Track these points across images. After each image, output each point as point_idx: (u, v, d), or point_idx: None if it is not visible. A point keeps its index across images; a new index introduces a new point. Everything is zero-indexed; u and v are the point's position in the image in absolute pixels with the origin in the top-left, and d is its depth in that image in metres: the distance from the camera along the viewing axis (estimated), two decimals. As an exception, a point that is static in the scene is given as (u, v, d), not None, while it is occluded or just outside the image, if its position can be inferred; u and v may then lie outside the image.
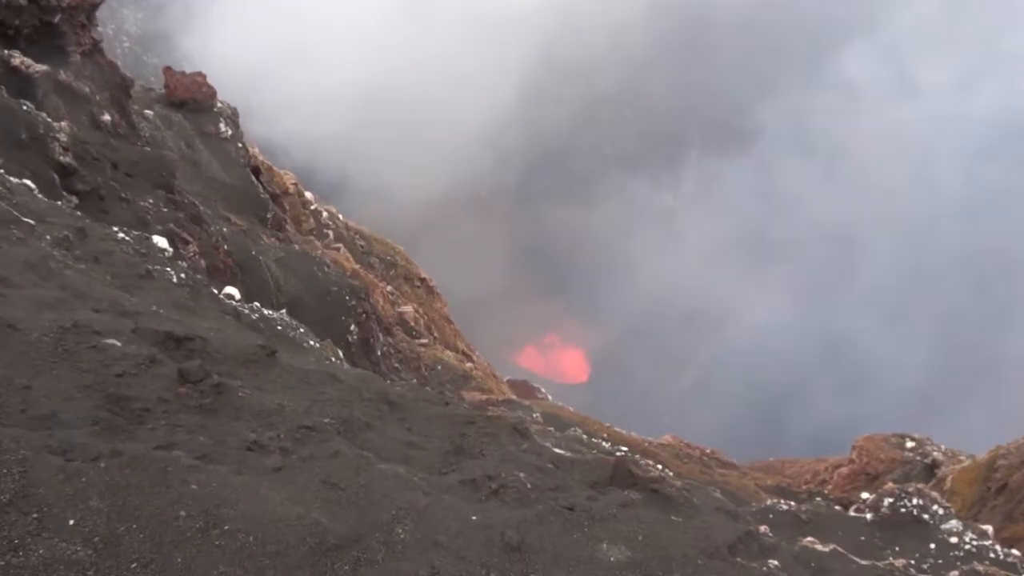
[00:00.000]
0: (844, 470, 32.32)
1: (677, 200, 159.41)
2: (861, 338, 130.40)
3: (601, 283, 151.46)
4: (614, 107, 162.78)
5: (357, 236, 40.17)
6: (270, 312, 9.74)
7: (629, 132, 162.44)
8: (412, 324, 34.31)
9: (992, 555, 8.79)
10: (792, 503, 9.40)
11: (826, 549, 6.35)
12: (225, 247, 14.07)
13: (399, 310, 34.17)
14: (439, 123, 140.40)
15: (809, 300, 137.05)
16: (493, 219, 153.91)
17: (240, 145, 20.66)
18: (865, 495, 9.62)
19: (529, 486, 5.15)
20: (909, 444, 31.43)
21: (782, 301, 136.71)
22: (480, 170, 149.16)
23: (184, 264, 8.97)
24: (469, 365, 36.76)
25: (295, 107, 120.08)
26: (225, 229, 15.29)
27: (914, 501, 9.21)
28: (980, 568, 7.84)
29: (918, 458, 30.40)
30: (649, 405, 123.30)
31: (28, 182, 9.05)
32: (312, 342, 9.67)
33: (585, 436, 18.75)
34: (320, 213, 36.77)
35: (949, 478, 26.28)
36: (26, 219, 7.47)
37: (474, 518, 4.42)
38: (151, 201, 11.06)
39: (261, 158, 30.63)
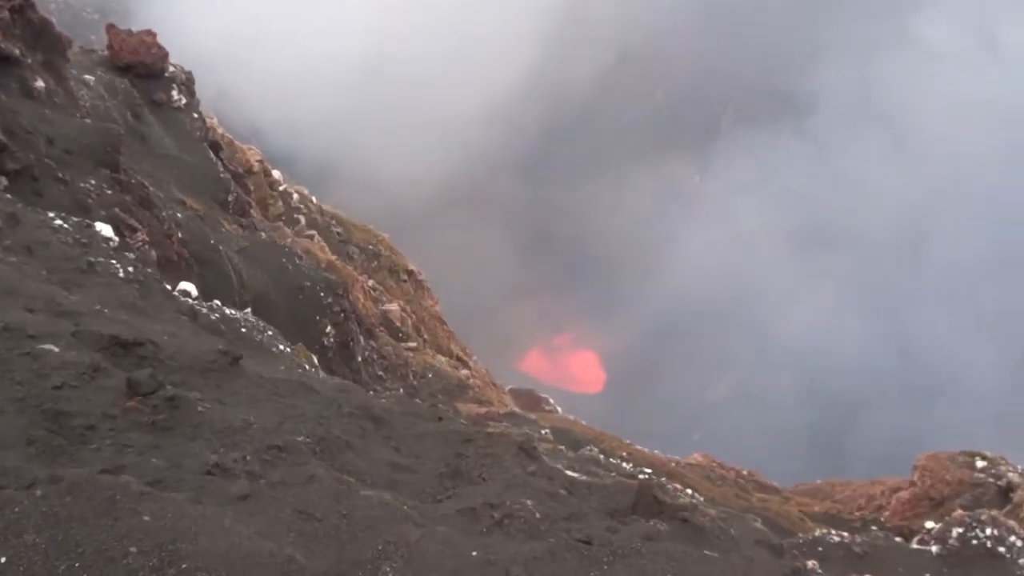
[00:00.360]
0: (904, 494, 32.29)
1: (712, 180, 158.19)
2: (928, 341, 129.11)
3: (620, 276, 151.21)
4: (637, 71, 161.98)
5: (333, 222, 40.23)
6: (232, 312, 9.74)
7: (654, 100, 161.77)
8: (398, 325, 34.36)
9: (1080, 594, 8.74)
10: (844, 534, 9.38)
11: (885, 588, 6.33)
12: (179, 235, 14.09)
13: (383, 308, 34.23)
14: (438, 101, 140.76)
15: (869, 296, 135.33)
16: (496, 205, 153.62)
17: (196, 116, 20.63)
18: (930, 524, 9.58)
19: (538, 516, 5.15)
20: (980, 464, 31.34)
21: (837, 298, 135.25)
22: (483, 151, 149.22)
23: (132, 256, 8.98)
24: (465, 372, 36.82)
25: (274, 88, 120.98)
26: (179, 214, 15.31)
27: (987, 531, 9.15)
28: (1066, 610, 7.80)
29: (991, 480, 30.33)
30: (676, 419, 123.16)
31: (-52, 161, 9.06)
32: (282, 347, 9.68)
33: (602, 456, 18.77)
34: (290, 195, 36.82)
35: (1028, 504, 26.22)
36: (-54, 204, 7.52)
37: (474, 554, 4.42)
38: (93, 182, 11.07)
39: (221, 131, 30.64)
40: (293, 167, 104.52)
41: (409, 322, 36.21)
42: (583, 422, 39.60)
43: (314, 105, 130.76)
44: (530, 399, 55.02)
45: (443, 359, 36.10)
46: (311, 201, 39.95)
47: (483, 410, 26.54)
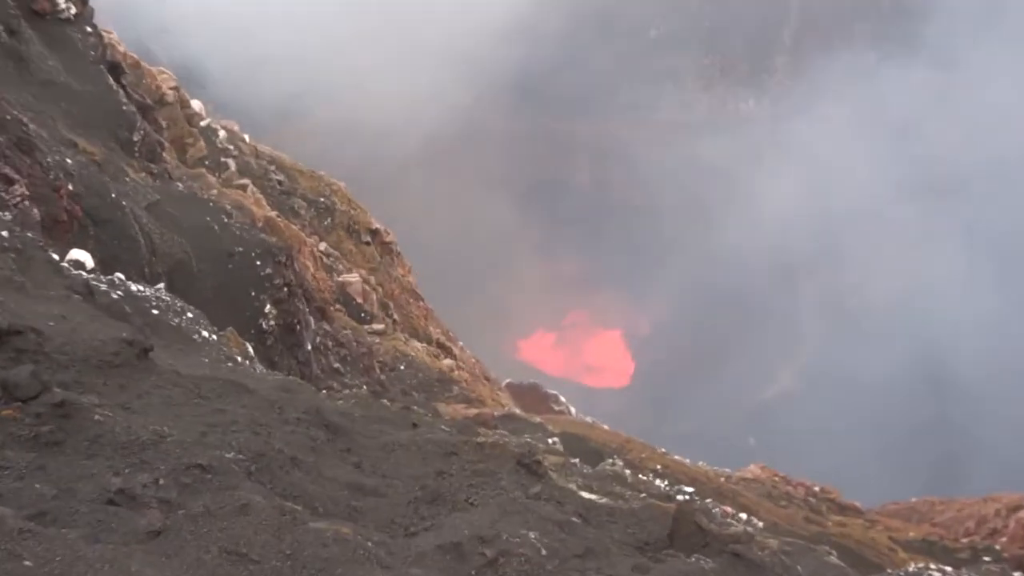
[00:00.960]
0: (1025, 515, 32.49)
1: (772, 106, 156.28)
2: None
3: (652, 235, 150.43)
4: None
5: (273, 168, 40.16)
6: (140, 288, 9.71)
7: (692, 5, 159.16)
8: (360, 302, 34.43)
9: None
10: (948, 568, 9.38)
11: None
12: (70, 187, 14.02)
13: (340, 280, 34.28)
14: (423, 24, 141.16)
15: (995, 258, 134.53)
16: (494, 147, 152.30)
17: (90, 31, 20.44)
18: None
19: (544, 553, 5.16)
20: None
21: (948, 259, 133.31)
22: (481, 80, 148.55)
23: (7, 216, 8.93)
24: (448, 363, 36.95)
25: (224, 20, 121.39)
26: (70, 160, 15.21)
27: None
28: None
29: None
30: (727, 420, 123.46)
31: None
32: (206, 333, 9.67)
33: (628, 471, 18.85)
34: (216, 133, 36.69)
35: None
36: None
37: (459, 605, 4.44)
38: (-47, 119, 10.97)
39: (123, 49, 30.42)
40: (248, 113, 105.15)
41: (374, 298, 36.28)
42: (604, 426, 39.77)
43: (274, 39, 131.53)
44: (534, 397, 55.31)
45: (420, 346, 36.19)
46: (243, 141, 39.83)
47: (472, 412, 26.65)
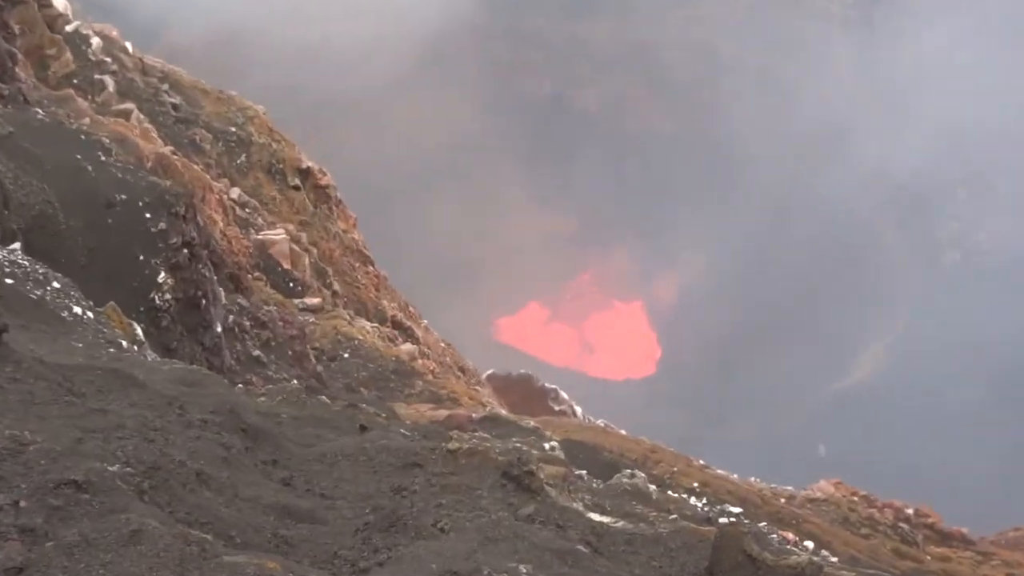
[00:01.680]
0: None
1: (850, 9, 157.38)
2: None
3: (684, 173, 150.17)
4: None
5: (166, 88, 39.93)
6: (-11, 249, 9.67)
7: None
8: (288, 267, 34.41)
9: None
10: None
11: None
12: None
13: (259, 238, 34.20)
14: None
15: None
16: (475, 53, 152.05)
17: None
18: None
19: (540, 591, 5.18)
20: None
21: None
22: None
23: None
24: (408, 348, 37.03)
25: None
26: None
27: None
28: None
29: None
30: (786, 422, 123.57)
31: None
32: (79, 309, 9.66)
33: (653, 487, 18.92)
34: (87, 41, 36.41)
35: None
36: None
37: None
38: None
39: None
40: (131, 15, 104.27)
41: (306, 262, 36.25)
42: (621, 431, 39.83)
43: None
44: (526, 393, 55.44)
45: (369, 326, 36.20)
46: (124, 52, 39.57)
47: (442, 413, 26.70)
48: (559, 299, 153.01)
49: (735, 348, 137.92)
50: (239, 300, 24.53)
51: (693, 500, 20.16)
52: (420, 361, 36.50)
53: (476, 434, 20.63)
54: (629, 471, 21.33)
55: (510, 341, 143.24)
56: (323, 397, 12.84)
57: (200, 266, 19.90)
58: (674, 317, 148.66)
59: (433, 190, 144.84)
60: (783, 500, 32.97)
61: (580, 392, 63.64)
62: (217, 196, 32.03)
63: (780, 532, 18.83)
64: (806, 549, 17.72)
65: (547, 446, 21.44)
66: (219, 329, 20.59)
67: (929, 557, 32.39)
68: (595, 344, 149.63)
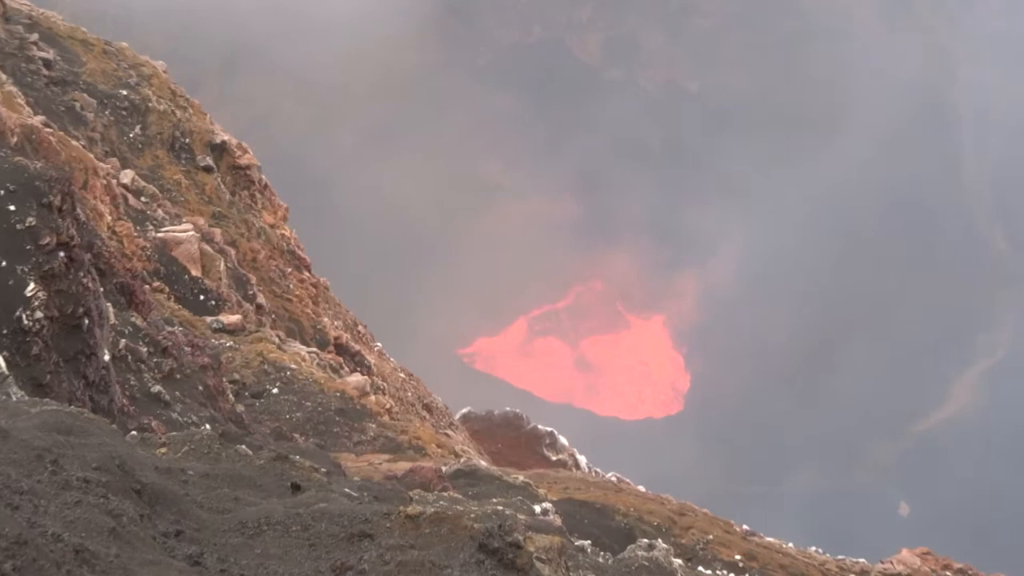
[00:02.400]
0: None
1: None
2: None
3: (715, 150, 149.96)
4: None
5: (34, 37, 39.94)
6: None
7: None
8: (198, 276, 34.43)
9: None
10: None
11: None
12: None
13: (160, 237, 34.19)
14: None
15: None
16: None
17: None
18: None
19: None
20: None
21: None
22: None
23: None
24: (358, 380, 37.13)
25: None
26: None
27: None
28: None
29: None
30: (855, 472, 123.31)
31: None
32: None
33: (679, 562, 18.98)
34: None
35: None
36: None
37: None
38: None
39: None
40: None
41: (222, 267, 36.26)
42: (638, 487, 39.92)
43: None
44: (512, 437, 55.57)
45: (305, 351, 36.27)
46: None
47: (401, 466, 26.76)
48: (556, 315, 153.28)
49: (786, 376, 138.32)
50: (133, 319, 24.49)
51: (733, 579, 20.22)
52: (373, 397, 36.55)
53: (446, 494, 20.68)
54: (648, 541, 21.37)
55: (492, 370, 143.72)
56: (243, 447, 12.84)
57: (81, 274, 19.85)
58: (706, 336, 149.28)
59: (389, 170, 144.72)
60: (852, 574, 33.04)
61: (584, 436, 64.03)
62: (104, 181, 32.02)
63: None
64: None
65: (539, 508, 21.47)
66: (106, 358, 20.52)
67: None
68: (604, 373, 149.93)
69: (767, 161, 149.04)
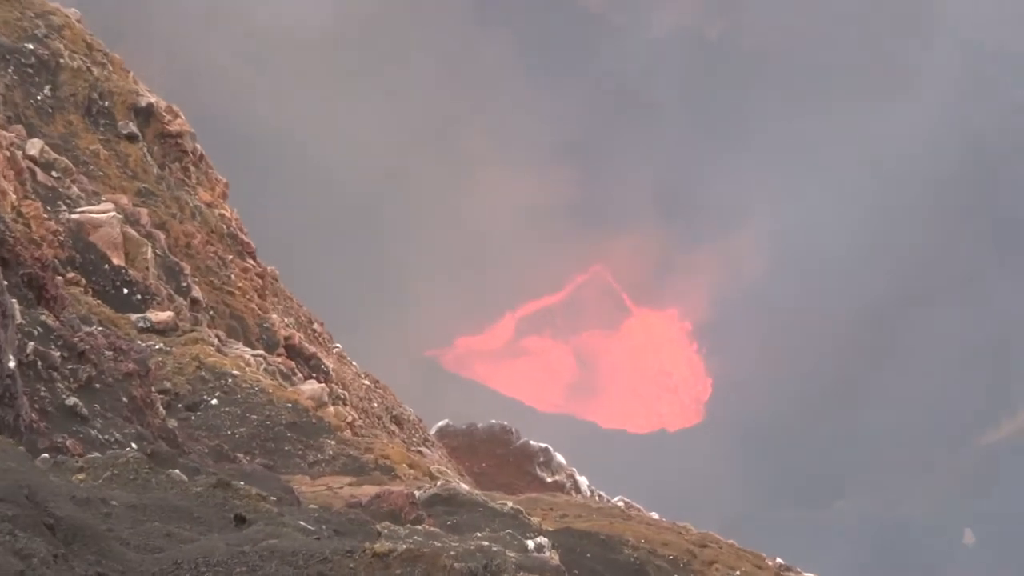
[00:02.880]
0: None
1: None
2: None
3: (737, 112, 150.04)
4: None
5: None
6: None
7: None
8: (121, 265, 34.42)
9: None
10: None
11: None
12: None
13: (75, 218, 34.14)
14: None
15: None
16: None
17: None
18: None
19: None
20: None
21: None
22: None
23: None
24: (314, 388, 37.19)
25: None
26: None
27: None
28: None
29: None
30: (907, 494, 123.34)
31: None
32: None
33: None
34: None
35: None
36: None
37: None
38: None
39: None
40: None
41: (150, 254, 36.25)
42: (650, 514, 40.00)
43: None
44: (499, 454, 55.64)
45: (250, 354, 36.28)
46: None
47: (367, 491, 26.77)
48: (551, 310, 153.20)
49: (829, 379, 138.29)
50: (43, 318, 24.46)
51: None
52: (332, 409, 36.58)
53: (421, 527, 20.71)
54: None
55: (474, 375, 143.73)
56: (177, 471, 12.83)
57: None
58: (730, 332, 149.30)
59: (349, 136, 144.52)
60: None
61: (585, 453, 64.19)
62: (6, 153, 32.01)
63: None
64: None
65: (532, 543, 21.49)
66: (11, 364, 20.49)
67: None
68: (607, 378, 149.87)
69: (803, 120, 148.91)
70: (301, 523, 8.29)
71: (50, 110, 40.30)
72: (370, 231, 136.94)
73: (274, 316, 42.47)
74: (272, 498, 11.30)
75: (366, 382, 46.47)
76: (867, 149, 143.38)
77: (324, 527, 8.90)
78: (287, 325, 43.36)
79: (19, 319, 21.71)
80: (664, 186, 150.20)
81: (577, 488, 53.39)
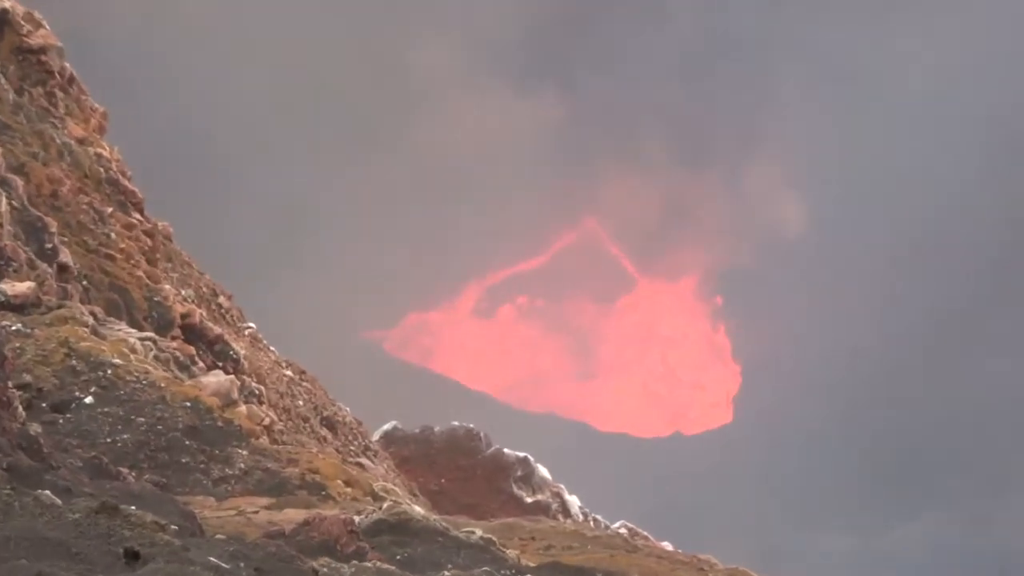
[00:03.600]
0: None
1: None
2: None
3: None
4: None
5: None
6: None
7: None
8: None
9: None
10: None
11: None
12: None
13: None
14: None
15: None
16: None
17: None
18: None
19: None
20: None
21: None
22: None
23: None
24: (220, 381, 37.28)
25: None
26: None
27: None
28: None
29: None
30: (983, 515, 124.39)
31: None
32: None
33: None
34: None
35: None
36: None
37: None
38: None
39: None
40: None
41: (3, 207, 36.26)
42: (661, 544, 40.25)
43: None
44: (463, 466, 55.83)
45: (136, 337, 36.34)
46: None
47: (292, 516, 26.84)
48: (527, 277, 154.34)
49: (894, 367, 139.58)
50: None
51: None
52: (243, 409, 36.59)
53: (370, 563, 20.84)
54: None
55: (429, 362, 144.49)
56: (47, 492, 12.81)
57: None
58: (765, 306, 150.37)
59: (267, 45, 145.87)
60: None
61: (577, 464, 64.71)
62: None
63: None
64: None
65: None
66: None
67: None
68: (605, 367, 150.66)
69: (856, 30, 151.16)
70: (212, 559, 8.38)
71: None
72: (292, 172, 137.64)
73: (167, 287, 42.44)
74: (171, 527, 11.37)
75: (288, 373, 46.54)
76: (919, 73, 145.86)
77: (241, 565, 9.00)
78: (184, 299, 43.37)
79: None
80: (673, 112, 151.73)
81: (566, 510, 53.60)
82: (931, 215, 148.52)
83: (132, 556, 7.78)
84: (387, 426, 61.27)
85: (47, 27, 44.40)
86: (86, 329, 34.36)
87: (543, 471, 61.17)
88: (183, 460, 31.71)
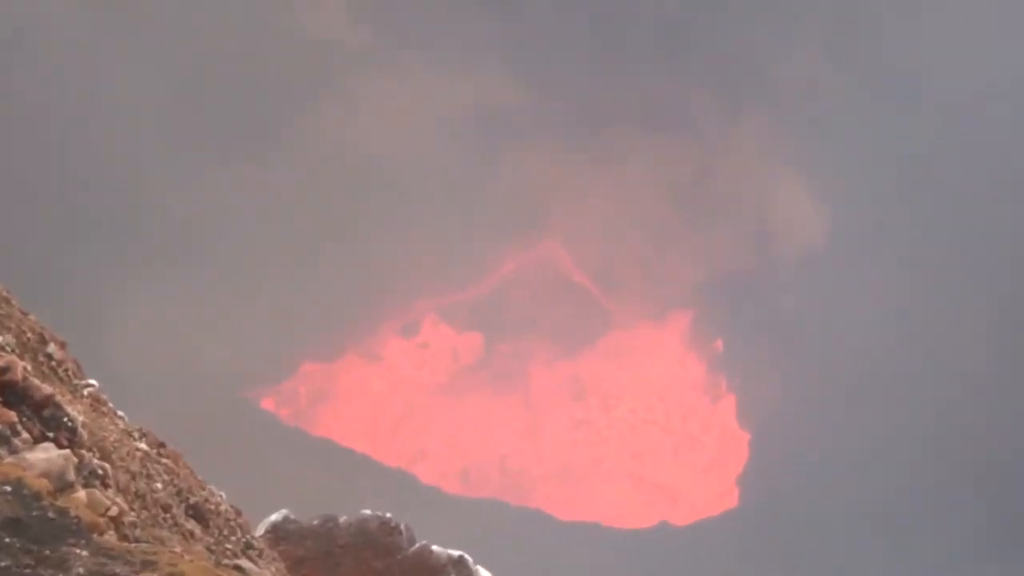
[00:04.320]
0: None
1: None
2: None
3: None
4: None
5: None
6: None
7: None
8: None
9: None
10: None
11: None
12: None
13: None
14: None
15: None
16: None
17: None
18: None
19: None
20: None
21: None
22: None
23: None
24: (46, 457, 36.62)
25: None
26: None
27: None
28: None
29: None
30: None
31: None
32: None
33: None
34: None
35: None
36: None
37: None
38: None
39: None
40: None
41: None
42: None
43: None
44: (380, 570, 55.23)
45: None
46: None
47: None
48: (461, 309, 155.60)
49: (943, 427, 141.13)
50: None
51: None
52: (83, 494, 35.69)
53: None
54: None
55: (331, 431, 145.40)
56: None
57: None
58: (780, 354, 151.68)
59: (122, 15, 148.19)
60: None
61: (532, 564, 64.74)
62: None
63: None
64: None
65: None
66: None
67: None
68: (567, 429, 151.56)
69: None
70: None
71: None
72: (150, 182, 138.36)
73: (-7, 331, 41.93)
74: None
75: (143, 446, 45.87)
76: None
77: None
78: (1, 348, 42.72)
79: None
80: (654, 97, 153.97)
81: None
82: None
83: None
84: (276, 516, 60.80)
85: None
86: None
87: (485, 573, 60.63)
88: (2, 564, 30.93)
